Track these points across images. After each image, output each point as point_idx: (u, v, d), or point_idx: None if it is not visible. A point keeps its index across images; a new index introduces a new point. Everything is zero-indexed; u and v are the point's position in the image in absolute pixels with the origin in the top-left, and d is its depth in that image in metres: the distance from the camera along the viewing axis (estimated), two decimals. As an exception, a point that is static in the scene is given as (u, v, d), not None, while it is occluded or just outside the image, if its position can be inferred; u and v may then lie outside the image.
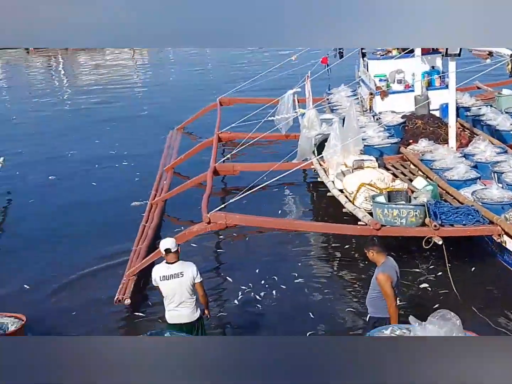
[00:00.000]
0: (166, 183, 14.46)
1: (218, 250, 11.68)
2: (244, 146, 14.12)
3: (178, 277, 7.34)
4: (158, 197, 13.56)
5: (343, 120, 12.70)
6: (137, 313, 9.61)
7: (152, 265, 10.45)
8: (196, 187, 13.46)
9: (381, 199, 9.99)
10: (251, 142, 14.34)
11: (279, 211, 12.98)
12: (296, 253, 11.25)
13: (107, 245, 11.94)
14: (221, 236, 11.99)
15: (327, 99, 16.90)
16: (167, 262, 7.43)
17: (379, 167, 11.51)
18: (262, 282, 10.22)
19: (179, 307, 7.41)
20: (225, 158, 14.14)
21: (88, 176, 15.98)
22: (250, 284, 10.13)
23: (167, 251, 7.39)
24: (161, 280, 7.35)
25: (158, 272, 7.42)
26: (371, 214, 10.00)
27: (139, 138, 19.14)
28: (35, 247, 12.18)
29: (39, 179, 15.98)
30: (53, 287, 10.54)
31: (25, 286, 10.54)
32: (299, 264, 10.84)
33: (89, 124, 21.44)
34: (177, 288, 7.35)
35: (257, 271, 10.62)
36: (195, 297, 7.50)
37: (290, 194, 14.12)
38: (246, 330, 9.05)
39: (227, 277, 10.29)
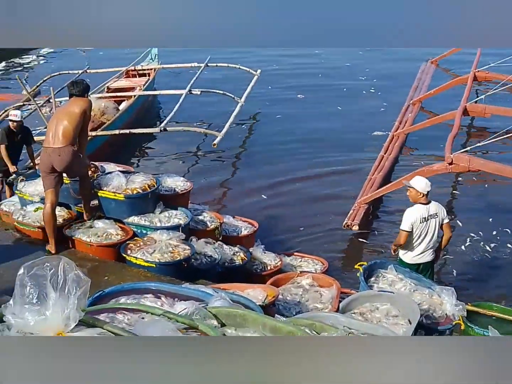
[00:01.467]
0: (411, 116, 14.17)
1: (454, 192, 11.32)
2: (501, 89, 13.28)
3: (434, 217, 7.17)
4: (401, 130, 13.36)
5: None
6: (361, 239, 9.78)
7: (381, 197, 10.56)
8: (441, 124, 13.03)
9: None
10: (510, 85, 13.44)
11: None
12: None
13: (341, 170, 12.15)
14: (460, 178, 11.60)
15: None
16: (421, 203, 7.16)
17: None
18: (494, 233, 9.79)
19: (427, 247, 7.25)
20: (478, 98, 13.44)
21: (335, 100, 16.14)
22: (480, 233, 9.76)
23: (428, 192, 7.19)
24: (420, 222, 7.11)
25: (417, 213, 7.12)
26: None
27: (390, 68, 18.82)
28: (272, 160, 12.73)
29: (289, 96, 16.47)
30: (286, 200, 11.05)
31: (263, 196, 11.13)
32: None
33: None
34: (432, 229, 7.19)
35: (490, 220, 10.18)
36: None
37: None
38: (471, 280, 8.82)
39: (458, 221, 9.98)
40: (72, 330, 2.77)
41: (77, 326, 2.80)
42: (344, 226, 9.74)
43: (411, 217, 7.13)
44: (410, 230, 7.11)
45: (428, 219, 7.13)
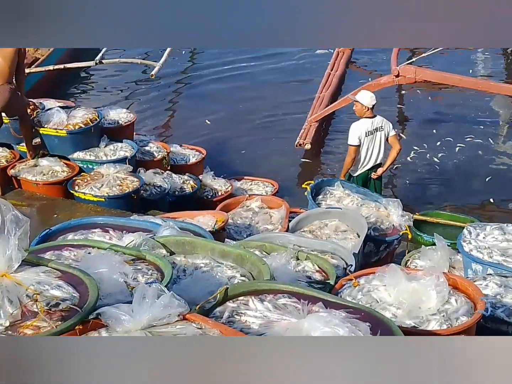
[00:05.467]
0: (354, 31, 14.03)
1: (398, 106, 11.40)
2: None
3: (380, 130, 7.26)
4: (346, 46, 13.24)
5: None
6: (306, 160, 9.80)
7: (332, 113, 10.58)
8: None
9: None
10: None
11: (470, 71, 12.32)
12: (481, 116, 10.78)
13: (284, 95, 12.01)
14: (403, 91, 11.66)
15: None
16: (367, 117, 7.23)
17: None
18: (438, 143, 9.97)
19: (375, 161, 7.36)
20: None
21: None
22: (424, 145, 9.92)
23: (373, 106, 7.22)
24: (366, 136, 7.18)
25: (363, 127, 7.20)
26: None
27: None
28: (215, 84, 12.56)
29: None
30: (234, 124, 10.96)
31: (207, 121, 10.98)
32: (481, 127, 10.40)
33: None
34: (378, 142, 7.27)
35: (434, 131, 10.33)
36: None
37: (485, 54, 13.29)
38: (419, 190, 9.00)
39: (400, 134, 10.07)
40: (16, 270, 2.76)
41: (21, 266, 2.78)
42: (296, 145, 9.71)
43: (357, 131, 7.21)
44: (358, 144, 7.19)
45: (373, 132, 7.23)
